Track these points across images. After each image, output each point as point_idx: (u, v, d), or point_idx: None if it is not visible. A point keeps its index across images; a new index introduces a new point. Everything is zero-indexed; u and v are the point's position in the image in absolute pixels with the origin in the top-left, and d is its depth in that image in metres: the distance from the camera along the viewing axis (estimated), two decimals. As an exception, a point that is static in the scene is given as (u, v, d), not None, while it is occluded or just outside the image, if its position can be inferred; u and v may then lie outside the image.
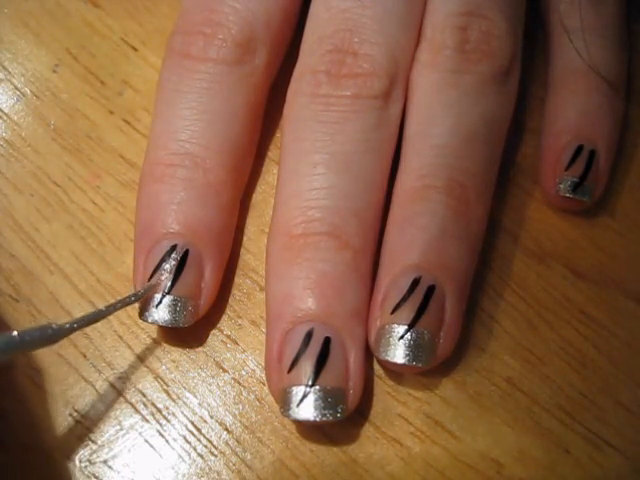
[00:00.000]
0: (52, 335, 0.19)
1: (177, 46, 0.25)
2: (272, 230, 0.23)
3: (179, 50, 0.24)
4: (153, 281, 0.22)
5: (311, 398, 0.20)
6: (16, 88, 0.28)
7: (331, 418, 0.20)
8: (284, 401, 0.21)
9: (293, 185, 0.23)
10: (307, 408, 0.20)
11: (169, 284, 0.22)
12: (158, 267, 0.22)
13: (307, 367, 0.21)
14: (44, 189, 0.26)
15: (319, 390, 0.20)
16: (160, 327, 0.24)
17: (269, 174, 0.27)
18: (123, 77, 0.28)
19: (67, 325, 0.20)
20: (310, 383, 0.21)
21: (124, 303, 0.22)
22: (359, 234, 0.22)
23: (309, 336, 0.21)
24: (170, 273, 0.22)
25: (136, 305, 0.23)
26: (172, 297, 0.22)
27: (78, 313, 0.24)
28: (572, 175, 0.25)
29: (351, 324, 0.22)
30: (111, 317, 0.24)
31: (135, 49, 0.29)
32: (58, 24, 0.29)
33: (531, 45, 0.29)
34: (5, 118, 0.28)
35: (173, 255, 0.22)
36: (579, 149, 0.25)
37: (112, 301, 0.22)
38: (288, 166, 0.24)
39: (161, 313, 0.22)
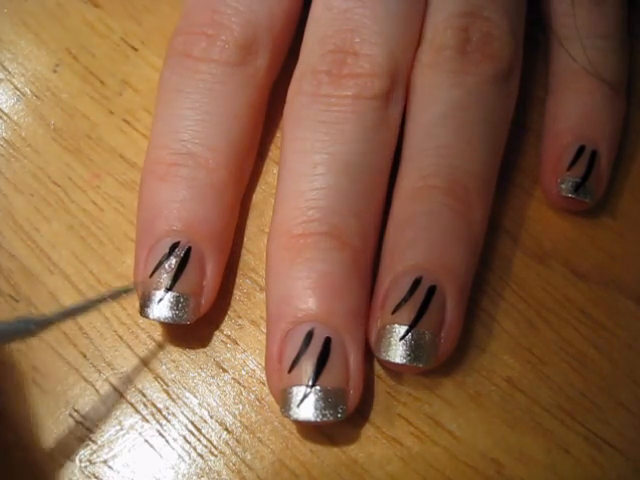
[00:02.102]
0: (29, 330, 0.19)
1: (179, 46, 0.25)
2: (272, 230, 0.23)
3: (181, 50, 0.24)
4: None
5: (311, 398, 0.20)
6: (16, 88, 0.28)
7: (331, 418, 0.20)
8: (284, 401, 0.21)
9: (293, 185, 0.23)
10: (307, 408, 0.20)
11: (171, 281, 0.22)
12: (160, 264, 0.22)
13: (307, 367, 0.21)
14: (44, 189, 0.26)
15: (319, 390, 0.20)
16: (160, 327, 0.24)
17: (269, 174, 0.27)
18: (123, 77, 0.28)
19: (44, 318, 0.19)
20: (310, 383, 0.21)
21: (103, 298, 0.21)
22: (359, 234, 0.22)
23: (309, 336, 0.21)
24: (172, 270, 0.22)
25: (137, 304, 0.23)
26: (174, 294, 0.22)
27: (78, 313, 0.24)
28: (574, 175, 0.25)
29: (351, 324, 0.22)
30: (111, 317, 0.24)
31: (135, 49, 0.29)
32: (58, 24, 0.29)
33: (531, 45, 0.29)
34: (5, 118, 0.28)
35: (176, 252, 0.22)
36: (581, 149, 0.25)
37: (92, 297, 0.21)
38: (288, 166, 0.24)
39: (163, 310, 0.22)
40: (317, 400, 0.20)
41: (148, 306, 0.22)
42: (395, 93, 0.24)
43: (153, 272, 0.22)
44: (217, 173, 0.23)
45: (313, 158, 0.23)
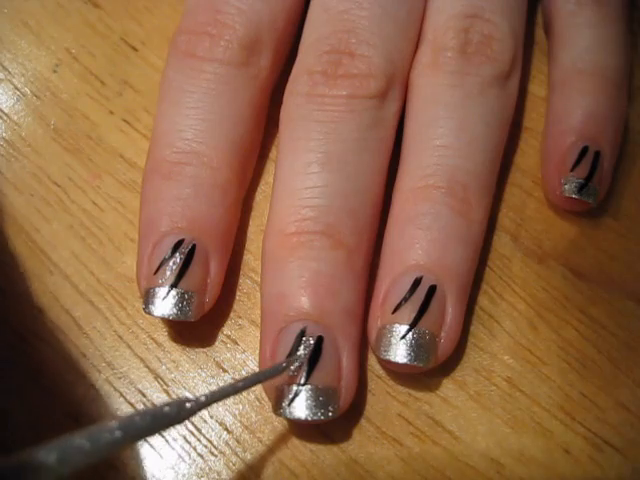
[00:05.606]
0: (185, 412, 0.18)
1: (182, 45, 0.24)
2: (267, 228, 0.23)
3: (184, 50, 0.24)
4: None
5: (302, 397, 0.20)
6: (16, 88, 0.28)
7: (322, 417, 0.20)
8: (276, 400, 0.21)
9: (288, 184, 0.23)
10: (298, 407, 0.20)
11: (176, 278, 0.22)
12: (164, 261, 0.22)
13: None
14: (44, 189, 0.26)
15: (310, 389, 0.20)
16: (160, 327, 0.24)
17: (269, 174, 0.27)
18: (123, 77, 0.28)
19: (196, 401, 0.18)
20: (302, 382, 0.21)
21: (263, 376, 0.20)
22: (353, 233, 0.22)
23: (301, 335, 0.21)
24: (177, 267, 0.22)
25: (137, 304, 0.23)
26: (179, 290, 0.22)
27: (78, 313, 0.24)
28: (578, 176, 0.24)
29: (344, 323, 0.22)
30: (111, 317, 0.24)
31: (135, 49, 0.29)
32: (58, 24, 0.29)
33: (531, 45, 0.29)
34: (5, 118, 0.28)
35: (180, 249, 0.22)
36: (584, 150, 0.25)
37: (246, 375, 0.21)
38: (284, 165, 0.24)
39: (168, 306, 0.22)
40: (308, 399, 0.20)
41: (152, 303, 0.22)
42: (391, 93, 0.24)
43: (157, 269, 0.22)
44: (221, 172, 0.23)
45: (307, 157, 0.23)
